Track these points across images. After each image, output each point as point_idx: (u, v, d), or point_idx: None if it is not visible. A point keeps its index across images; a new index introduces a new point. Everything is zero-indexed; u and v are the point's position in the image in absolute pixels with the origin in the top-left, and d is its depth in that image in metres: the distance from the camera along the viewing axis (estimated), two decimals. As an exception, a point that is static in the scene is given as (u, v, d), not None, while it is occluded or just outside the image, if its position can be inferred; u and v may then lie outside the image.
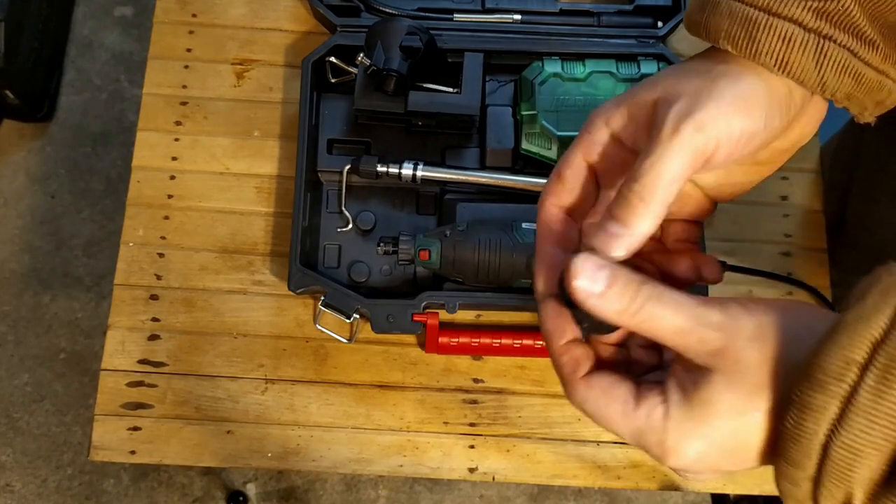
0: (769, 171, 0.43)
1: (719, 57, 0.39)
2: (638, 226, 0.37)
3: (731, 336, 0.34)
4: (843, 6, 0.36)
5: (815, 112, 0.40)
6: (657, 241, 0.46)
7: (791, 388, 0.32)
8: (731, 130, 0.36)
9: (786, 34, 0.36)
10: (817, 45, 0.36)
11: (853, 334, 0.31)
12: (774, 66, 0.37)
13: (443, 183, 0.74)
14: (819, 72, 0.37)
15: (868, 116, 0.41)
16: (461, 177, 0.73)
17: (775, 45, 0.36)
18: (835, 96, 0.38)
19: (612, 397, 0.37)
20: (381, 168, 0.72)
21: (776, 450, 0.33)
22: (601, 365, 0.40)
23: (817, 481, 0.32)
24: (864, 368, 0.30)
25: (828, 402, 0.31)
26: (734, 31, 0.37)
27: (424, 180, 0.72)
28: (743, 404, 0.34)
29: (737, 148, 0.37)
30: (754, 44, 0.37)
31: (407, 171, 0.72)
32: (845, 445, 0.30)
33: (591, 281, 0.35)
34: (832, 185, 0.89)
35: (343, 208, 0.73)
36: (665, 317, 0.35)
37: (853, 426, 0.30)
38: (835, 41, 0.36)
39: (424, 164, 0.72)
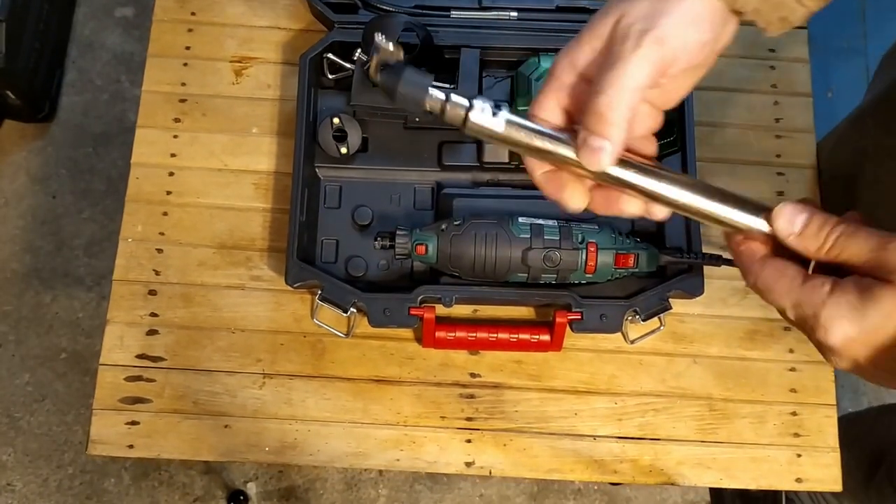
0: (703, 73, 0.48)
1: None
2: (613, 133, 0.43)
3: None
4: None
5: (732, 24, 0.47)
6: None
7: None
8: (686, 42, 0.44)
9: None
10: None
11: None
12: None
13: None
14: None
15: (773, 31, 0.48)
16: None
17: None
18: (745, 9, 0.46)
19: (782, 273, 0.44)
20: (436, 94, 0.45)
21: None
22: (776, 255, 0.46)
23: None
24: None
25: None
26: None
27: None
28: None
29: (691, 57, 0.45)
30: None
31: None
32: None
33: (789, 224, 0.44)
34: (835, 180, 0.89)
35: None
36: (856, 248, 0.42)
37: None
38: None
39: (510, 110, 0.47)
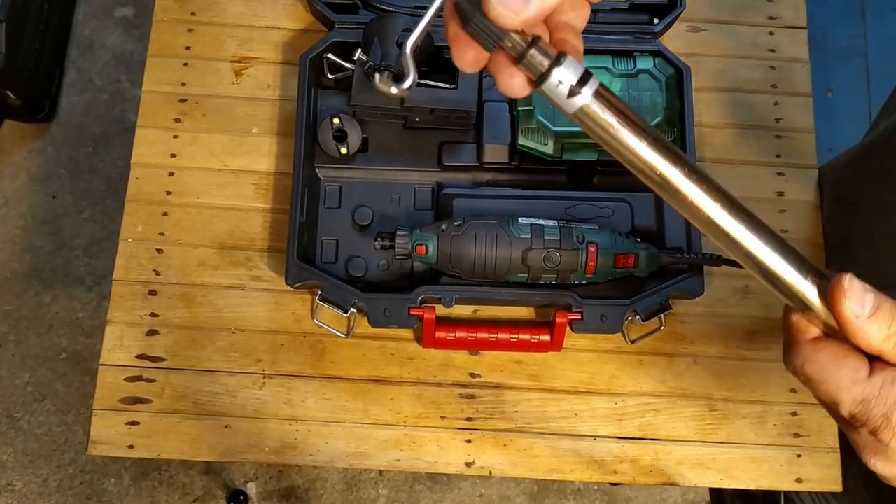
0: None
1: None
2: None
3: None
4: None
5: None
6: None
7: None
8: None
9: None
10: None
11: None
12: None
13: None
14: None
15: None
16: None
17: None
18: None
19: (843, 362, 0.37)
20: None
21: None
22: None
23: None
24: None
25: None
26: None
27: None
28: None
29: None
30: None
31: None
32: None
33: (859, 304, 0.36)
34: (838, 202, 0.89)
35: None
36: None
37: None
38: None
39: None
